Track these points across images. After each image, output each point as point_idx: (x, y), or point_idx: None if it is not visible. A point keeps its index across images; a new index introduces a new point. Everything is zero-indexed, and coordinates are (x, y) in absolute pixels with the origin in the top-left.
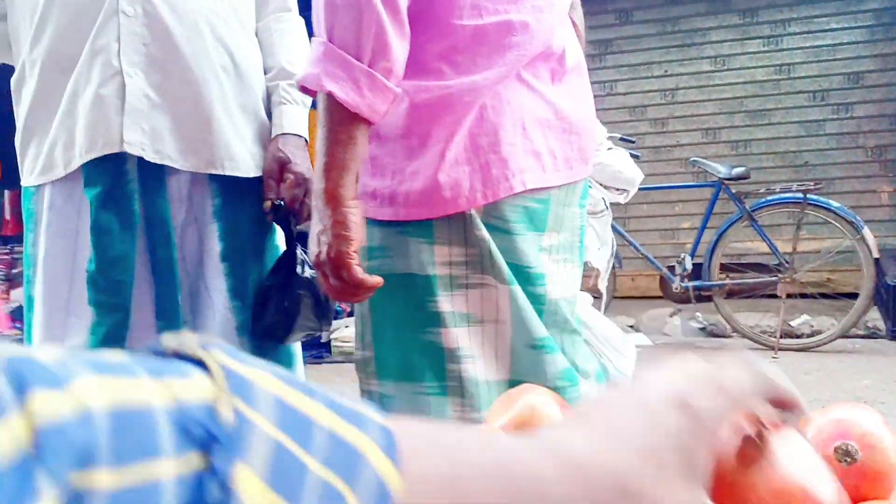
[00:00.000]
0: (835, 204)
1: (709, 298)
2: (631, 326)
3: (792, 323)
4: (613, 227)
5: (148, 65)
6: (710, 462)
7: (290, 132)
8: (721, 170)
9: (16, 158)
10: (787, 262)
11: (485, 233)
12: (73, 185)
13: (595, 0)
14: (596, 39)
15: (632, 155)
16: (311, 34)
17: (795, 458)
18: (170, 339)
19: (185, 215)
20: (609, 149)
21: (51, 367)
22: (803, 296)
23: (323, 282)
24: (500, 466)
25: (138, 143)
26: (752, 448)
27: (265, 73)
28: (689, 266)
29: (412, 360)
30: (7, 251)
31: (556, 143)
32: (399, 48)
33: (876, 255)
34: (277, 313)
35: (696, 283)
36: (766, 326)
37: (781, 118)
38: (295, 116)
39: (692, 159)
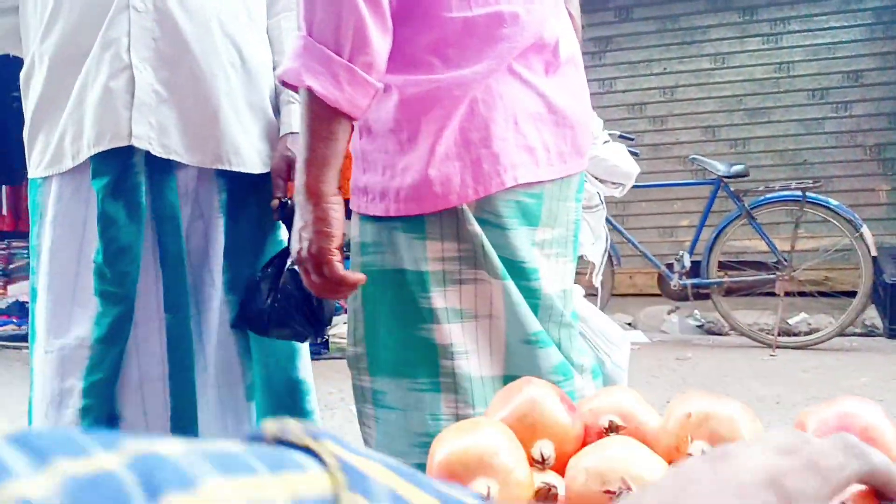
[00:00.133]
0: (833, 202)
1: (707, 296)
2: (629, 324)
3: (790, 321)
4: (612, 225)
5: (157, 60)
6: None
7: (298, 131)
8: (720, 168)
9: (10, 154)
10: (785, 260)
11: (477, 228)
12: (82, 178)
13: None
14: (595, 37)
15: (631, 152)
16: None
17: None
18: (271, 426)
19: (192, 209)
20: (605, 142)
21: (180, 467)
22: (801, 294)
23: (304, 278)
24: None
25: (146, 137)
26: None
27: (274, 71)
28: (687, 264)
29: (405, 357)
30: (4, 247)
31: (549, 136)
32: (380, 42)
33: (874, 253)
34: (262, 304)
35: (695, 280)
36: (763, 324)
37: (781, 116)
38: None
39: (691, 157)
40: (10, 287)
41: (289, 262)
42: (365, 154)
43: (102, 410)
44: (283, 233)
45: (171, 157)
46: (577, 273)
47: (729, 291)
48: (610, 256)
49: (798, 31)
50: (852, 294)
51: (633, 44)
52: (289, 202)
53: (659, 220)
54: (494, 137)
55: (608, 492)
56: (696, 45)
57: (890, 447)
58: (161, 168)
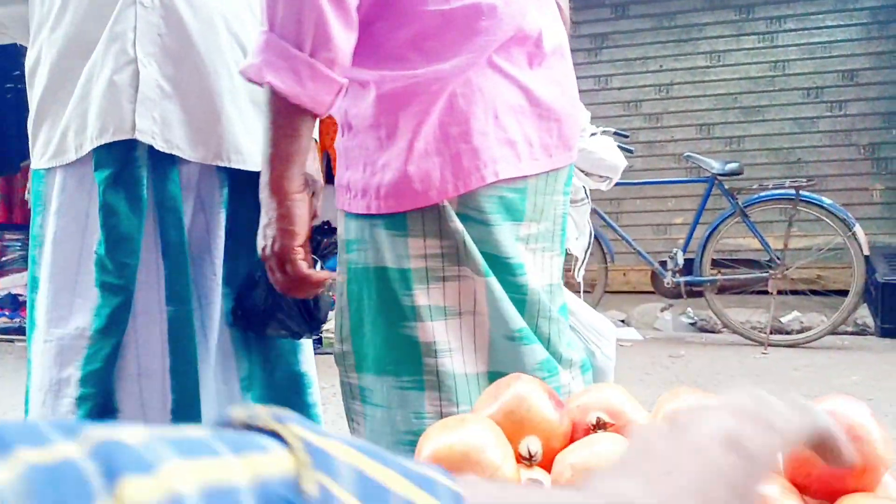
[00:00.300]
0: (827, 201)
1: (700, 294)
2: (622, 321)
3: (782, 319)
4: (606, 222)
5: (162, 55)
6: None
7: None
8: (714, 165)
9: (4, 144)
10: (778, 259)
11: (458, 224)
12: (85, 170)
13: None
14: (591, 33)
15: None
16: None
17: None
18: (239, 412)
19: (194, 203)
20: (592, 134)
21: (139, 452)
22: (794, 292)
23: (270, 276)
24: None
25: (149, 132)
26: None
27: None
28: (680, 261)
29: (389, 355)
30: None
31: (532, 130)
32: (343, 37)
33: (866, 252)
34: (257, 303)
35: (688, 278)
36: (756, 322)
37: (775, 115)
38: None
39: (686, 154)
40: (2, 279)
41: None
42: (346, 151)
43: (99, 400)
44: None
45: (174, 153)
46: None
47: (722, 289)
48: (603, 253)
49: (794, 30)
50: (844, 293)
51: (629, 41)
52: None
53: (653, 218)
54: (474, 132)
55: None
56: (692, 42)
57: (876, 446)
58: (164, 161)
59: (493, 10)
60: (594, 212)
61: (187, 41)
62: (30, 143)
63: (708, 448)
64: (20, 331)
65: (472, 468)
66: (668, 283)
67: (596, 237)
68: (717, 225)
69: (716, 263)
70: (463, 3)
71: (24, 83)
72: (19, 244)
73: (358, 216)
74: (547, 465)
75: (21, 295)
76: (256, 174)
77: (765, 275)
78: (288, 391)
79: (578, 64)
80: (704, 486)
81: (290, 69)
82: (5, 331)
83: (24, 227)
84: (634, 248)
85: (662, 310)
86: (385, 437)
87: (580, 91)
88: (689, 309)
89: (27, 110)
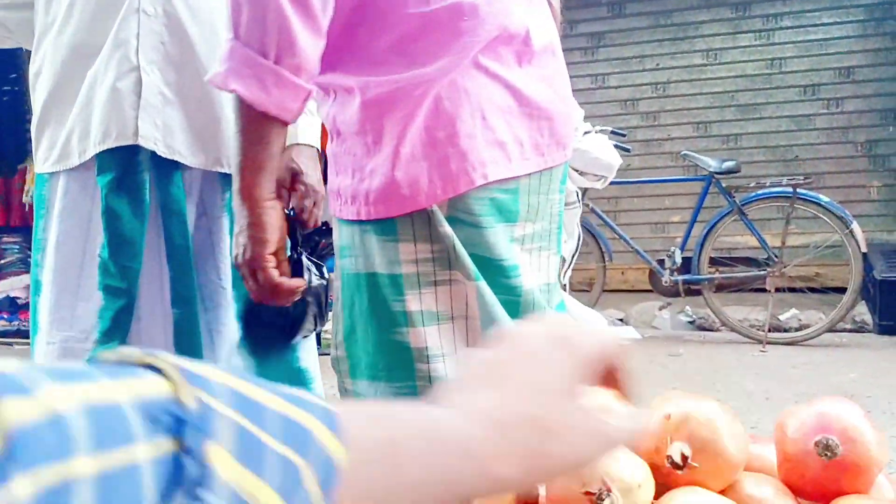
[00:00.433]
0: (824, 198)
1: (698, 292)
2: (620, 320)
3: (780, 317)
4: (603, 220)
5: (164, 63)
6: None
7: (303, 143)
8: (711, 163)
9: (1, 147)
10: (776, 257)
11: (448, 228)
12: (89, 174)
13: None
14: (588, 32)
15: (622, 148)
16: None
17: None
18: (108, 354)
19: (197, 207)
20: (586, 133)
21: (16, 378)
22: (792, 290)
23: (245, 284)
24: (429, 429)
25: (151, 137)
26: None
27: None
28: (678, 260)
29: (381, 360)
30: None
31: (522, 130)
32: (309, 43)
33: (864, 249)
34: (281, 316)
35: (686, 276)
36: (754, 320)
37: (772, 112)
38: (309, 127)
39: (683, 153)
40: (1, 282)
41: (306, 275)
42: (336, 157)
43: None
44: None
45: (175, 158)
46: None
47: (720, 287)
48: (601, 252)
49: (790, 28)
50: (842, 290)
51: (626, 39)
52: (291, 213)
53: (650, 216)
54: (461, 135)
55: (588, 493)
56: (689, 40)
57: (869, 447)
58: (167, 166)
59: (475, 10)
60: (592, 210)
61: (189, 49)
62: (33, 146)
63: (541, 349)
64: (19, 334)
65: None
66: (666, 282)
67: (594, 236)
68: (715, 223)
69: (714, 262)
70: (443, 4)
71: (21, 86)
72: (17, 247)
73: (349, 222)
74: None
75: (19, 298)
76: None
77: (763, 273)
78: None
79: (575, 63)
80: (542, 381)
81: (255, 77)
82: (4, 334)
83: (22, 229)
84: (632, 247)
85: (660, 308)
86: None
87: (576, 90)
88: (687, 307)
89: (24, 113)
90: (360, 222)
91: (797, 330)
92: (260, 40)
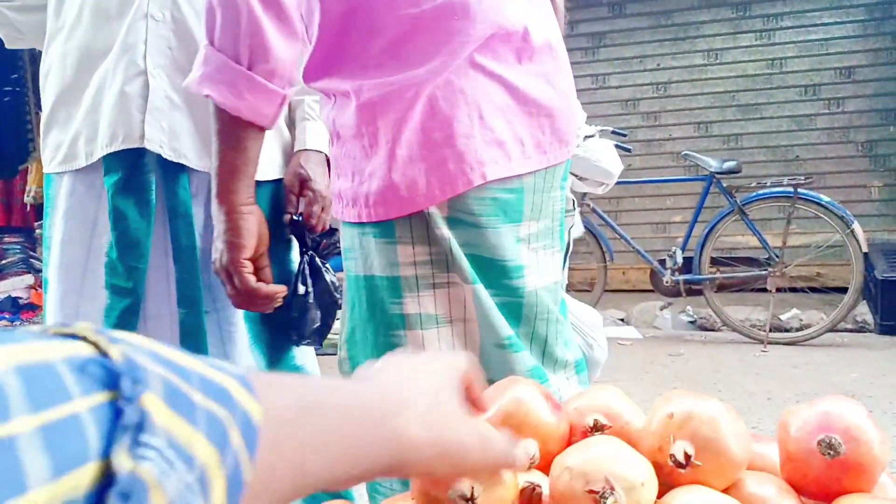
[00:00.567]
0: (825, 198)
1: (699, 292)
2: (622, 320)
3: (781, 317)
4: (604, 220)
5: (172, 67)
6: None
7: (312, 148)
8: (712, 164)
9: (2, 149)
10: (777, 256)
11: (446, 231)
12: (95, 174)
13: None
14: (589, 32)
15: (623, 148)
16: None
17: None
18: (32, 328)
19: (204, 210)
20: (589, 136)
21: None
22: (793, 290)
23: (224, 289)
24: (338, 395)
25: (157, 141)
26: None
27: (290, 87)
28: (679, 260)
29: None
30: None
31: (522, 128)
32: (283, 48)
33: (865, 249)
34: (295, 317)
35: (687, 276)
36: (755, 320)
37: (773, 112)
38: (318, 133)
39: (684, 153)
40: (2, 283)
41: (327, 276)
42: (336, 160)
43: None
44: (294, 251)
45: (181, 161)
46: None
47: (721, 287)
48: (602, 252)
49: (791, 28)
50: (843, 290)
51: (627, 39)
52: (300, 219)
53: (651, 216)
54: (458, 135)
55: (592, 491)
56: (689, 40)
57: (872, 446)
58: (174, 168)
59: (466, 9)
60: (593, 210)
61: (196, 54)
62: (41, 145)
63: (427, 361)
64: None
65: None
66: (667, 282)
67: (595, 236)
68: (716, 223)
69: (715, 261)
70: (434, 4)
71: (22, 87)
72: (19, 247)
73: (351, 224)
74: (544, 467)
75: (21, 298)
76: (262, 183)
77: (764, 272)
78: None
79: (576, 63)
80: (436, 381)
81: (229, 82)
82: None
83: (23, 230)
84: (633, 247)
85: (662, 308)
86: None
87: (577, 90)
88: (688, 307)
89: (25, 114)
90: (360, 224)
91: (798, 330)
92: (233, 45)
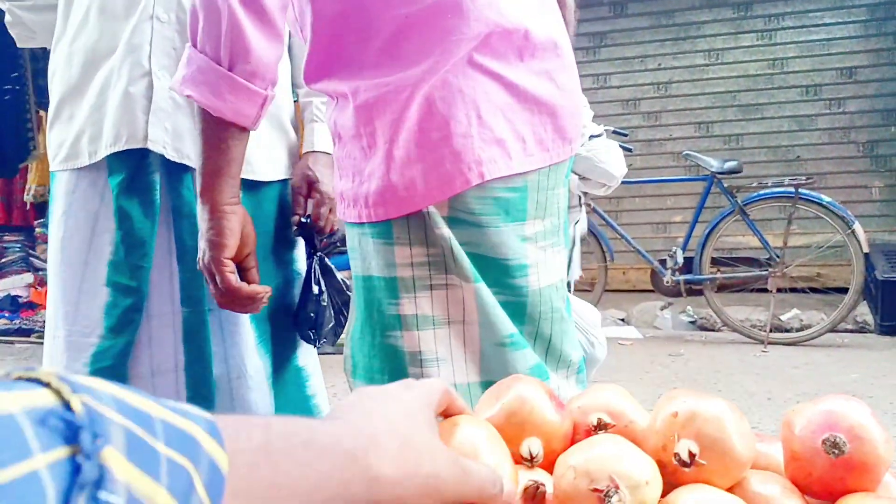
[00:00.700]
0: (826, 199)
1: (699, 292)
2: (622, 320)
3: (782, 317)
4: (605, 220)
5: (175, 68)
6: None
7: (320, 150)
8: (713, 164)
9: (3, 147)
10: (777, 257)
11: (445, 231)
12: (98, 173)
13: None
14: (590, 32)
15: (624, 147)
16: None
17: None
18: None
19: None
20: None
21: None
22: (793, 290)
23: (209, 288)
24: (306, 435)
25: (161, 141)
26: None
27: (300, 89)
28: (680, 260)
29: (377, 363)
30: None
31: (524, 126)
32: (264, 49)
33: (866, 249)
34: (306, 317)
35: (687, 276)
36: (756, 320)
37: (774, 113)
38: (326, 135)
39: (685, 153)
40: (2, 281)
41: (338, 276)
42: (338, 161)
43: None
44: (298, 251)
45: (185, 162)
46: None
47: (721, 287)
48: (603, 252)
49: (792, 28)
50: (844, 290)
51: (628, 39)
52: (308, 220)
53: (652, 216)
54: (455, 135)
55: (596, 490)
56: (691, 40)
57: (877, 445)
58: (178, 169)
59: (458, 7)
60: (594, 210)
61: None
62: (46, 141)
63: (396, 389)
64: (20, 332)
65: None
66: (667, 282)
67: (595, 236)
68: (717, 223)
69: (715, 262)
70: (426, 4)
71: (23, 86)
72: (19, 246)
73: (352, 225)
74: (548, 466)
75: (20, 296)
76: (267, 184)
77: (764, 273)
78: (288, 384)
79: (577, 62)
80: (406, 410)
81: (210, 83)
82: (5, 332)
83: (23, 228)
84: (634, 247)
85: (662, 308)
86: None
87: None
88: (688, 307)
89: (26, 112)
90: (360, 225)
91: (799, 330)
92: (214, 47)
